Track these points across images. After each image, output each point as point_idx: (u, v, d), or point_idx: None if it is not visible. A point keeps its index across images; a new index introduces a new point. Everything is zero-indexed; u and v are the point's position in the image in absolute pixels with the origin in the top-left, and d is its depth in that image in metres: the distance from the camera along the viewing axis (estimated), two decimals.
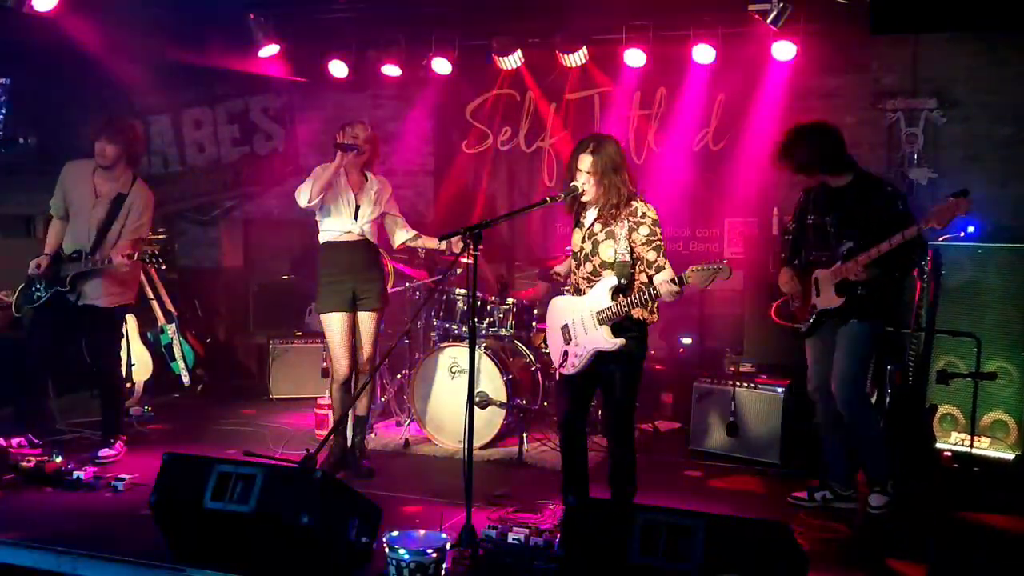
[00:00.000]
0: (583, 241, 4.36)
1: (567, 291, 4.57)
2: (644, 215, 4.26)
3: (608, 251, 4.25)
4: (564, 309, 4.46)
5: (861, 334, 4.81)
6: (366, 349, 5.35)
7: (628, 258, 4.21)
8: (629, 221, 4.23)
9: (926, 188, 6.63)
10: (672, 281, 4.05)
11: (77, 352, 5.82)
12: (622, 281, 4.20)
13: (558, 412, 4.61)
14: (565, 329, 4.42)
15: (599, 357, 4.28)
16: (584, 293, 4.35)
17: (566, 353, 4.41)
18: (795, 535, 3.41)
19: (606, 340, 4.22)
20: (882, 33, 6.13)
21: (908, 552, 4.20)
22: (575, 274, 4.43)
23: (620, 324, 4.23)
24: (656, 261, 4.22)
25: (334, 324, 5.24)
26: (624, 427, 4.39)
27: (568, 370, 4.40)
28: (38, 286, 5.51)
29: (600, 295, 4.25)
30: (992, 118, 6.49)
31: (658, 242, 4.24)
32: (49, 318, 5.54)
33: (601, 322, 4.22)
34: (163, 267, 5.33)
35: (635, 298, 4.15)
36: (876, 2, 4.80)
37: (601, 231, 4.29)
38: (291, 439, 6.05)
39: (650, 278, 4.21)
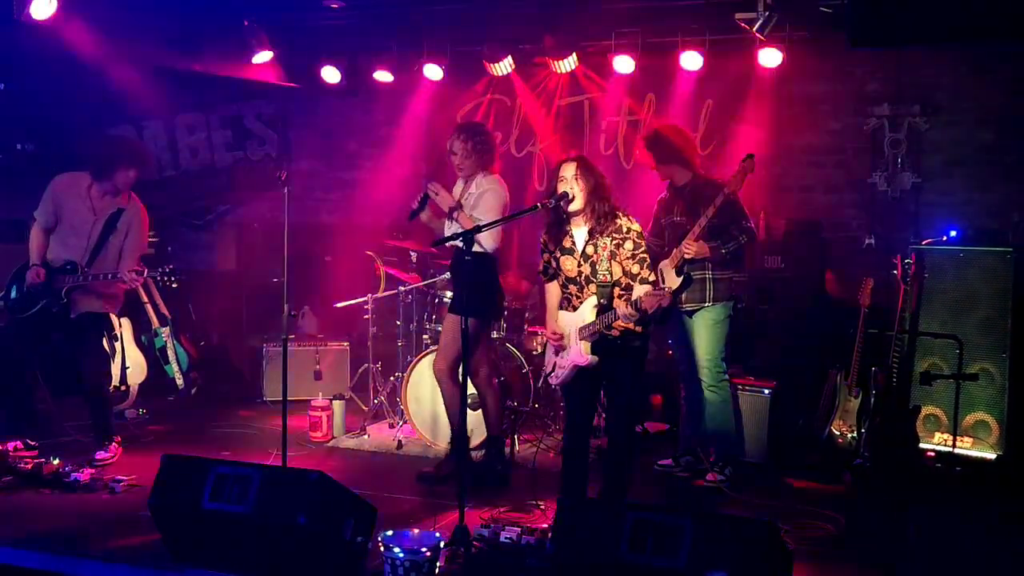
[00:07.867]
0: (579, 266, 4.42)
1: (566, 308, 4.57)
2: (628, 230, 4.36)
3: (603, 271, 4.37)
4: (565, 324, 4.54)
5: (711, 318, 5.27)
6: (440, 351, 5.32)
7: (609, 278, 4.32)
8: (614, 238, 4.34)
9: (910, 192, 6.74)
10: (632, 304, 4.15)
11: (66, 356, 5.83)
12: (602, 301, 4.32)
13: (566, 418, 4.76)
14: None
15: (605, 356, 4.35)
16: None
17: (555, 365, 4.54)
18: (781, 533, 3.50)
19: (581, 355, 4.35)
20: (860, 47, 6.21)
21: (891, 550, 4.28)
22: (578, 298, 4.45)
23: (624, 334, 4.32)
24: (641, 273, 4.32)
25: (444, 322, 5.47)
26: (630, 426, 4.55)
27: (554, 380, 4.55)
28: (30, 293, 5.48)
29: (585, 312, 4.38)
30: (974, 124, 6.60)
31: (643, 255, 4.35)
32: (29, 325, 5.53)
33: (582, 338, 4.35)
34: (175, 285, 5.46)
35: (615, 314, 4.25)
36: (853, 15, 4.87)
37: (595, 252, 4.37)
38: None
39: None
